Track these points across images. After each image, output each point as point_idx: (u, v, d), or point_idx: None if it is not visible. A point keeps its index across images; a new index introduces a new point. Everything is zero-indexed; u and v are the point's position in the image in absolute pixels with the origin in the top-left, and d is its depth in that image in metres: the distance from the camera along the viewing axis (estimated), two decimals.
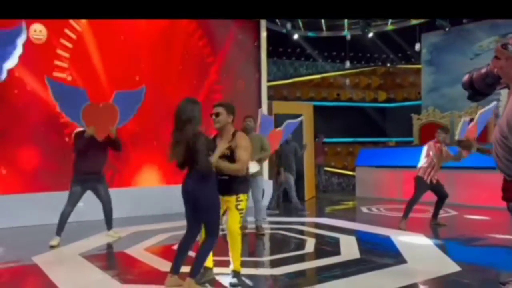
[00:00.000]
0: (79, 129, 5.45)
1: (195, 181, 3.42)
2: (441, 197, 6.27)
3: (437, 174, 6.14)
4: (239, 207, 3.62)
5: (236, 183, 3.61)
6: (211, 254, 3.65)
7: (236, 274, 3.65)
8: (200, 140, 3.29)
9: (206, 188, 3.41)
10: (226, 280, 3.66)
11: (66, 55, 7.23)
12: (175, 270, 3.52)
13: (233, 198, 3.62)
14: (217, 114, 3.60)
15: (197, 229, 3.57)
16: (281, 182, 8.05)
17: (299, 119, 7.94)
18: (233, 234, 3.61)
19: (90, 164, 5.37)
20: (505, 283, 3.33)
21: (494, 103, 6.72)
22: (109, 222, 5.66)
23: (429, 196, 6.20)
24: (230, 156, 3.52)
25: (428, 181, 6.05)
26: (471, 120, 6.53)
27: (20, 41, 3.64)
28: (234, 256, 3.65)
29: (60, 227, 5.28)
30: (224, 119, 3.60)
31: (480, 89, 2.21)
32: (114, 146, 5.52)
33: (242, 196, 3.64)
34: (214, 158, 3.41)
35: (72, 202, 5.34)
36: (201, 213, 3.46)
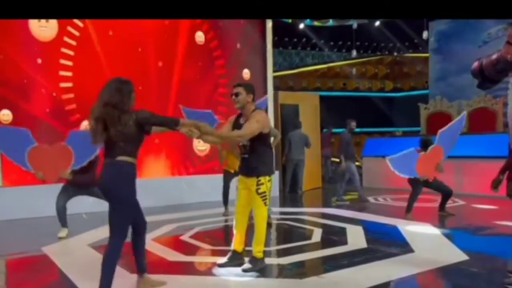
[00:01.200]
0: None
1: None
2: (443, 194, 6.22)
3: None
4: (260, 190, 3.54)
5: (257, 163, 3.55)
6: (242, 239, 3.72)
7: (254, 260, 3.64)
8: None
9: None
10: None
11: (71, 53, 7.24)
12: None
13: (253, 181, 3.57)
14: (237, 94, 3.60)
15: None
16: (343, 171, 7.89)
17: (264, 98, 7.54)
18: (256, 219, 3.60)
19: (79, 180, 5.29)
20: None
21: (464, 112, 6.32)
22: None
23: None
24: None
25: (421, 179, 5.95)
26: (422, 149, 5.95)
27: None
28: (256, 240, 3.64)
29: (62, 220, 5.29)
30: (243, 99, 3.59)
31: (490, 76, 2.16)
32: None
33: (263, 179, 3.56)
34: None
35: (64, 197, 5.30)
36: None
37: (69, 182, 5.30)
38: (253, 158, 3.55)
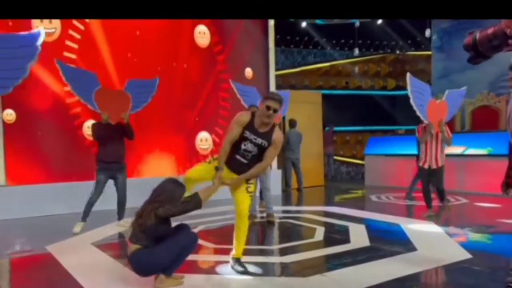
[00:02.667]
0: (91, 122, 5.53)
1: None
2: (438, 190, 6.09)
3: (434, 159, 5.88)
4: (249, 189, 3.62)
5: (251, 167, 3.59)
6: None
7: (237, 260, 3.67)
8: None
9: None
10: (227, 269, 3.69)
11: (75, 46, 7.26)
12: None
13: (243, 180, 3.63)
14: (275, 110, 3.44)
15: None
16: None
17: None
18: (241, 214, 3.61)
19: (110, 153, 5.50)
20: None
21: (464, 87, 6.36)
22: (120, 212, 5.73)
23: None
24: (262, 147, 3.50)
25: (426, 167, 5.93)
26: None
27: (39, 42, 3.70)
28: (239, 239, 3.64)
29: (86, 214, 5.46)
30: (276, 116, 3.55)
31: (483, 51, 2.05)
32: (127, 134, 5.61)
33: (253, 180, 3.67)
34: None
35: (98, 190, 5.49)
36: None
37: (102, 161, 5.48)
38: (254, 164, 3.56)
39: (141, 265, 3.16)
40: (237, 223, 3.66)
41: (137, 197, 7.09)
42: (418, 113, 5.75)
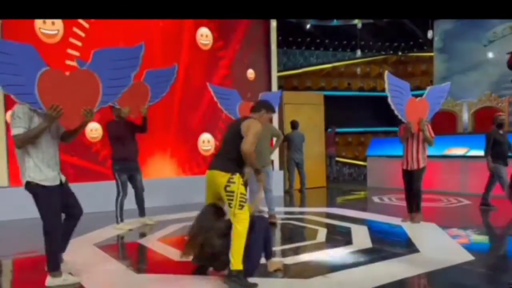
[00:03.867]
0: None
1: None
2: (415, 191, 5.69)
3: (415, 160, 5.63)
4: (228, 188, 3.38)
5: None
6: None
7: (238, 273, 3.32)
8: None
9: None
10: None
11: (79, 43, 7.29)
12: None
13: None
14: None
15: None
16: (492, 173, 6.79)
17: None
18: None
19: (128, 152, 5.57)
20: None
21: (448, 83, 6.16)
22: (142, 209, 5.86)
23: (439, 185, 6.13)
24: None
25: (405, 168, 5.72)
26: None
27: (142, 53, 4.02)
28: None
29: (121, 215, 5.59)
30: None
31: None
32: (141, 127, 5.64)
33: (235, 178, 3.43)
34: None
35: (125, 191, 5.59)
36: None
37: (121, 160, 5.54)
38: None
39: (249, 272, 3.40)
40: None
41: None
42: (396, 112, 5.50)
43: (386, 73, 5.54)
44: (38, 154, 3.43)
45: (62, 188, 3.59)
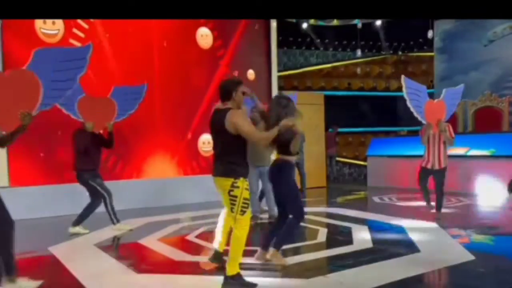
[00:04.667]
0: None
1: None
2: (438, 193, 5.97)
3: (436, 159, 5.83)
4: (232, 193, 3.34)
5: None
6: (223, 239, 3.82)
7: (233, 276, 3.34)
8: None
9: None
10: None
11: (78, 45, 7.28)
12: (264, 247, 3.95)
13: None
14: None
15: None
16: None
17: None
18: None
19: (92, 162, 5.39)
20: None
21: (462, 85, 6.36)
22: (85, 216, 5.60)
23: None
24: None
25: (428, 167, 5.91)
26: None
27: (89, 55, 3.91)
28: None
29: (115, 215, 5.53)
30: None
31: None
32: (107, 143, 5.51)
33: (239, 182, 3.35)
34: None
35: (107, 190, 5.49)
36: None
37: (88, 169, 5.40)
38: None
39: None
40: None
41: (140, 198, 7.20)
42: (415, 114, 5.77)
43: (402, 77, 5.80)
44: None
45: None
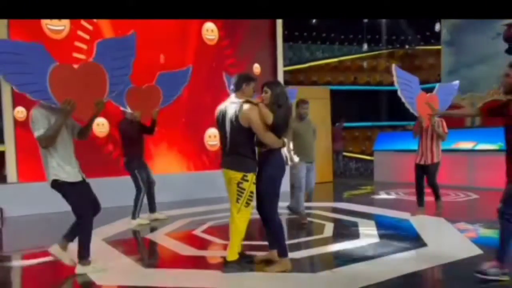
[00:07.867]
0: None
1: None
2: (432, 187, 5.79)
3: (428, 154, 5.68)
4: (241, 185, 3.48)
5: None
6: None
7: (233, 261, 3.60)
8: None
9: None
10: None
11: (84, 46, 7.31)
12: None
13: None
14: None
15: None
16: None
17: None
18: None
19: (140, 149, 5.63)
20: None
21: (457, 81, 6.20)
22: (153, 204, 5.90)
23: (447, 179, 6.08)
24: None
25: (419, 163, 5.75)
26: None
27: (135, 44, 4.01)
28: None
29: (139, 210, 5.64)
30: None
31: None
32: (149, 130, 5.67)
33: (249, 175, 3.49)
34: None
35: (145, 185, 5.63)
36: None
37: (137, 158, 5.59)
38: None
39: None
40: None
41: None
42: (407, 105, 5.54)
43: (393, 66, 5.55)
44: (58, 153, 3.52)
45: (84, 184, 3.70)
